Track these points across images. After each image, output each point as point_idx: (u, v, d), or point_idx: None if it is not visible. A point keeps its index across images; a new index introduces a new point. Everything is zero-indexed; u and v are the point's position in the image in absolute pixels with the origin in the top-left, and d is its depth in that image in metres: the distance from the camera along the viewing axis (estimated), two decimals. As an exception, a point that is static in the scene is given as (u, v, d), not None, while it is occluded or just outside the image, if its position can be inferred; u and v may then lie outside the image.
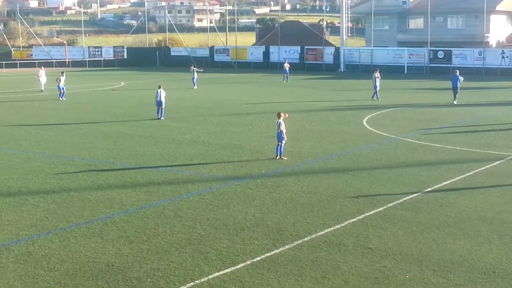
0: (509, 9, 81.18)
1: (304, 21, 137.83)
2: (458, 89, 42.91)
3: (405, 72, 71.22)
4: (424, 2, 78.22)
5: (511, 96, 47.10)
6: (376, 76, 44.82)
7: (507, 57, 67.94)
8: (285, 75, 62.34)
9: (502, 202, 17.93)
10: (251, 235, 15.16)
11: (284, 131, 23.82)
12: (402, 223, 16.07)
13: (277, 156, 24.05)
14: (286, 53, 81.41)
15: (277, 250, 14.12)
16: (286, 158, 23.88)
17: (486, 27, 75.53)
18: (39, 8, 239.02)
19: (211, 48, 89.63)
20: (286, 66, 63.06)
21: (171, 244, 14.54)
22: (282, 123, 23.88)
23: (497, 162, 23.22)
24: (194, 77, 55.89)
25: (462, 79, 43.25)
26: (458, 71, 43.79)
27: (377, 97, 44.46)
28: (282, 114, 24.23)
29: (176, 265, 13.24)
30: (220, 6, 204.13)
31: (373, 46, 78.72)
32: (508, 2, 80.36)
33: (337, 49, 79.87)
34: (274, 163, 23.36)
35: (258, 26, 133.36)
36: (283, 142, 23.97)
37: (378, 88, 44.77)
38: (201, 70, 62.04)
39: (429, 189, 19.32)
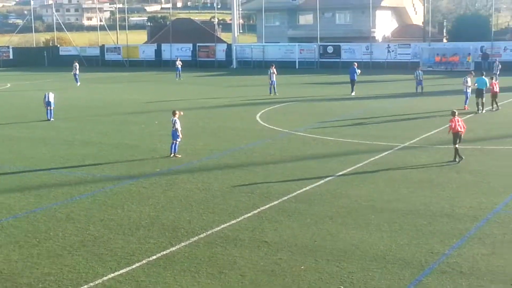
0: (393, 4, 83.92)
1: (196, 18, 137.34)
2: (355, 81, 44.60)
3: (297, 67, 72.22)
4: (313, -2, 79.66)
5: (397, 88, 48.66)
6: (272, 71, 45.34)
7: (392, 51, 70.08)
8: (178, 72, 61.99)
9: (391, 191, 18.51)
10: (147, 234, 15.00)
11: (179, 129, 23.71)
12: (297, 215, 16.30)
13: (171, 154, 23.89)
14: (178, 51, 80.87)
15: (173, 248, 14.04)
16: (180, 156, 23.77)
17: (373, 22, 77.71)
18: None
19: (102, 47, 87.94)
20: (179, 63, 62.69)
21: (64, 247, 14.17)
22: (177, 121, 23.77)
23: (386, 153, 23.94)
24: (76, 73, 54.68)
25: (359, 72, 45.32)
26: (356, 64, 45.79)
27: (275, 92, 44.99)
28: (177, 112, 24.12)
29: (69, 269, 12.92)
30: (110, 4, 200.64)
31: (265, 42, 79.45)
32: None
33: (229, 46, 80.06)
34: (168, 161, 23.20)
35: (149, 24, 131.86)
36: (178, 140, 23.86)
37: (275, 84, 45.34)
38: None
39: (322, 181, 19.70)
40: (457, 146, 22.14)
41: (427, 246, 13.90)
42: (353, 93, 44.13)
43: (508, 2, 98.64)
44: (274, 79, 45.34)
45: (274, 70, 45.71)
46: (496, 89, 34.74)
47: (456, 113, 22.59)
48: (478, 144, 25.38)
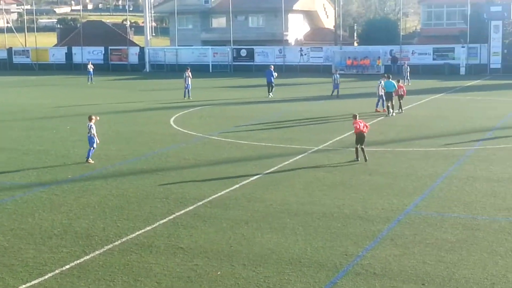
0: (305, 8, 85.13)
1: (108, 21, 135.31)
2: (273, 83, 45.99)
3: (210, 70, 72.29)
4: (226, 1, 79.79)
5: (310, 91, 49.36)
6: (187, 75, 45.16)
7: (305, 54, 71.19)
8: (90, 76, 61.05)
9: (306, 194, 18.73)
10: (59, 243, 14.66)
11: (96, 134, 23.35)
12: (212, 220, 16.28)
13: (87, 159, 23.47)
14: (89, 54, 79.66)
15: (87, 257, 13.76)
16: (93, 162, 23.34)
17: (285, 25, 78.70)
18: None
19: (9, 50, 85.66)
20: (90, 67, 61.73)
21: (-28, 259, 13.68)
22: (93, 126, 23.39)
23: (300, 156, 24.21)
24: None
25: (276, 74, 46.39)
26: (272, 67, 47.24)
27: (189, 96, 44.78)
28: (93, 117, 23.74)
29: (-22, 281, 12.49)
30: (17, 6, 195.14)
31: (178, 46, 79.16)
32: (304, 2, 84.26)
33: (142, 49, 79.41)
34: (81, 168, 22.74)
35: (59, 26, 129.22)
36: (95, 145, 23.46)
37: (190, 87, 45.16)
38: None
39: (237, 186, 19.73)
40: (362, 147, 22.75)
41: (341, 248, 14.13)
42: (271, 95, 44.87)
43: (416, 7, 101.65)
44: (189, 82, 45.20)
45: (189, 73, 45.56)
46: (402, 91, 35.67)
47: (357, 116, 23.28)
48: (389, 147, 26.01)
